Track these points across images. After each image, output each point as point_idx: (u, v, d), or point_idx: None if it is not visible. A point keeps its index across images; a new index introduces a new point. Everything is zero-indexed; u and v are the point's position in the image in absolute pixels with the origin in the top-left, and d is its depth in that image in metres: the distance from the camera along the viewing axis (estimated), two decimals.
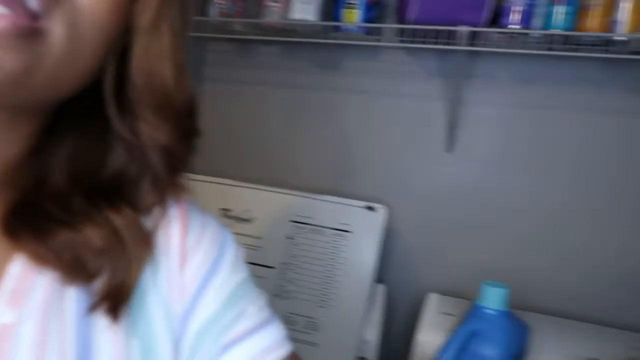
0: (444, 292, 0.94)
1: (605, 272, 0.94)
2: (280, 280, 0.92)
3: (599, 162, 0.93)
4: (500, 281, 0.74)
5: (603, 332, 0.85)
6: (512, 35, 0.76)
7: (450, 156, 1.00)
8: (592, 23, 0.73)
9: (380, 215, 0.89)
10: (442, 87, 0.98)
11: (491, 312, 0.71)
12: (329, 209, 0.92)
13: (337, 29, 0.83)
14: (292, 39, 0.84)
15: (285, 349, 0.39)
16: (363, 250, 0.89)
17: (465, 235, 1.00)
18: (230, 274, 0.39)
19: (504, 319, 0.71)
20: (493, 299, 0.71)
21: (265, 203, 0.95)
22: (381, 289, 0.95)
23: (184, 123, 0.34)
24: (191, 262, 0.37)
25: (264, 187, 0.96)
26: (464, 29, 0.75)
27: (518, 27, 0.76)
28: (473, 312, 0.73)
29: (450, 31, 0.77)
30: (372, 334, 0.92)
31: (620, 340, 0.83)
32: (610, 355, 0.81)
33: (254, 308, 0.39)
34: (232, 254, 0.40)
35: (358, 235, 0.90)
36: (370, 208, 0.90)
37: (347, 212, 0.91)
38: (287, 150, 1.09)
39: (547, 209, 0.96)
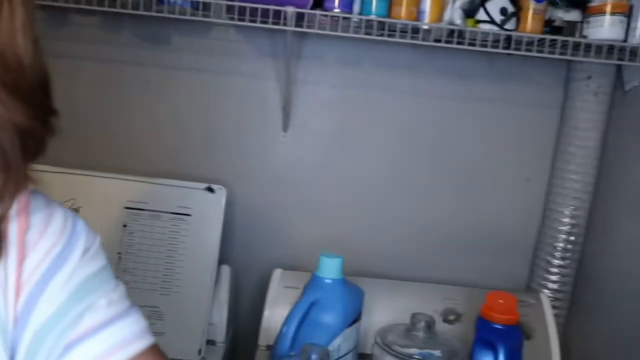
0: (288, 267, 0.98)
1: (425, 236, 1.06)
2: (117, 271, 0.85)
3: (418, 139, 1.04)
4: (338, 251, 0.79)
5: (424, 288, 0.97)
6: (334, 18, 0.80)
7: (287, 135, 1.02)
8: (402, 11, 0.80)
9: (220, 196, 0.87)
10: (274, 67, 0.99)
11: (328, 281, 0.75)
12: (166, 193, 0.88)
13: (160, 1, 0.78)
14: (111, 9, 0.77)
15: (141, 343, 0.37)
16: (205, 233, 0.87)
17: (304, 211, 1.04)
18: (79, 266, 0.36)
19: (340, 287, 0.75)
20: (329, 268, 0.75)
21: (93, 190, 0.87)
22: (226, 270, 0.95)
23: (40, 101, 0.31)
24: (31, 259, 0.34)
25: (89, 173, 0.88)
26: (290, 9, 0.76)
27: (339, 11, 0.80)
28: (312, 282, 0.76)
29: (276, 11, 0.78)
30: (220, 317, 0.91)
31: (439, 294, 0.95)
32: (432, 307, 0.92)
33: (105, 301, 0.36)
34: (82, 244, 0.37)
35: (199, 218, 0.87)
36: (209, 189, 0.88)
37: (185, 194, 0.88)
38: (115, 131, 1.01)
39: (375, 183, 1.05)
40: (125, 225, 0.87)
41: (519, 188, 1.05)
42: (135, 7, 0.78)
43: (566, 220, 0.98)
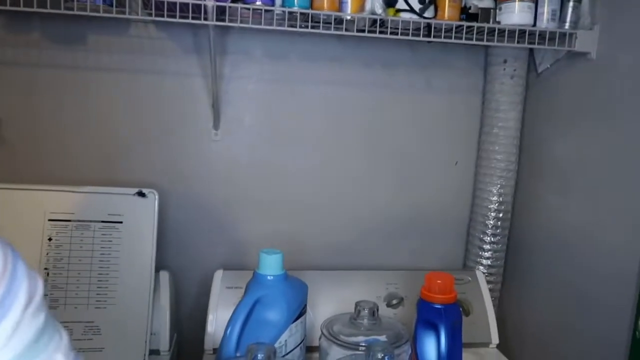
0: (230, 267, 0.96)
1: (363, 224, 1.08)
2: (45, 288, 0.80)
3: (349, 129, 1.05)
4: (278, 247, 0.78)
5: (367, 275, 0.98)
6: (257, 11, 0.79)
7: (218, 133, 1.00)
8: (325, 3, 0.80)
9: (152, 200, 0.84)
10: (199, 63, 0.96)
11: (270, 277, 0.74)
12: (93, 201, 0.84)
13: None
14: (14, 8, 0.71)
15: None
16: (138, 240, 0.83)
17: (241, 209, 1.03)
18: (24, 322, 0.32)
19: (282, 282, 0.75)
20: (270, 265, 0.74)
21: (11, 204, 0.81)
22: (165, 276, 0.91)
23: None
24: None
25: (6, 186, 0.82)
26: (210, 3, 0.74)
27: (261, 4, 0.78)
28: (253, 280, 0.75)
29: (196, 5, 0.75)
30: (162, 325, 0.88)
31: (381, 280, 0.97)
32: (375, 293, 0.94)
33: (62, 357, 0.34)
34: (24, 292, 0.33)
35: (131, 224, 0.84)
36: (141, 194, 0.84)
37: (115, 201, 0.84)
38: (35, 140, 0.94)
39: (310, 175, 1.05)
40: (50, 239, 0.82)
41: (449, 171, 1.09)
42: (42, 4, 0.73)
43: (494, 198, 1.03)
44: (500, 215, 1.03)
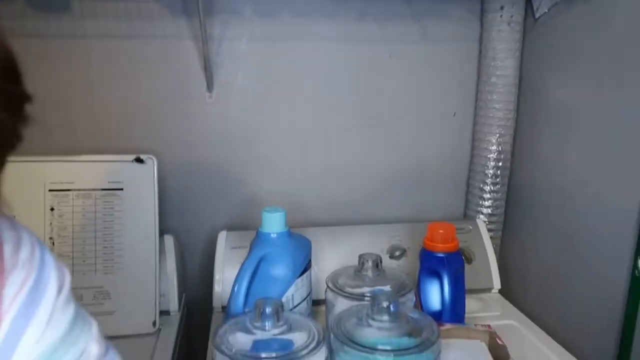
0: (233, 228, 0.97)
1: (364, 180, 1.08)
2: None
3: (345, 85, 1.03)
4: (280, 205, 0.78)
5: (369, 229, 0.99)
6: None
7: (212, 95, 0.99)
8: None
9: (150, 166, 0.84)
10: (189, 25, 0.94)
11: (273, 235, 0.75)
12: (92, 170, 0.84)
13: None
14: None
15: None
16: (140, 206, 0.84)
17: (241, 170, 1.03)
18: (58, 308, 0.33)
19: (286, 239, 0.76)
20: (273, 223, 0.75)
21: (10, 176, 0.81)
22: (169, 240, 0.93)
23: (5, 87, 0.27)
24: (10, 282, 0.31)
25: None
26: None
27: None
28: (257, 239, 0.76)
29: None
30: (170, 287, 0.90)
31: (383, 233, 0.98)
32: (378, 246, 0.95)
33: (96, 346, 0.35)
34: (55, 281, 0.33)
35: (131, 191, 0.84)
36: (139, 160, 0.84)
37: (114, 169, 0.84)
38: (29, 111, 0.93)
39: (308, 133, 1.04)
40: (52, 209, 0.82)
41: (448, 123, 1.09)
42: None
43: (493, 148, 1.03)
44: (500, 164, 1.03)
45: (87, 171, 0.84)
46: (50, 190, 0.83)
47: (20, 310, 0.31)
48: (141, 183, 0.84)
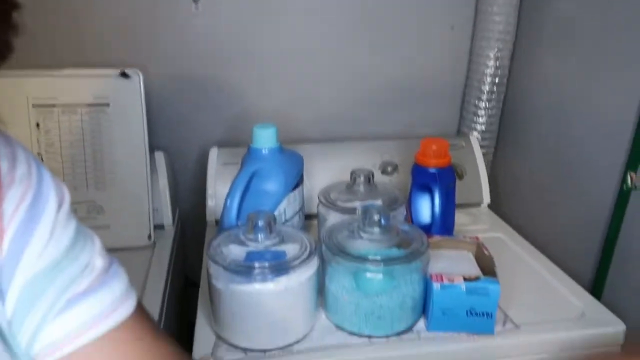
0: (224, 145, 0.96)
1: (357, 95, 1.06)
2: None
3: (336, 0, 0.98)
4: (272, 122, 0.77)
5: (362, 145, 0.99)
6: None
7: (198, 6, 0.94)
8: None
9: (136, 81, 0.81)
10: None
11: (265, 151, 0.74)
12: (76, 84, 0.81)
13: None
14: None
15: (133, 296, 0.36)
16: (128, 122, 0.82)
17: (230, 85, 1.00)
18: (59, 224, 0.33)
19: (277, 154, 0.75)
20: (264, 138, 0.74)
21: None
22: (160, 156, 0.92)
23: None
24: (9, 198, 0.30)
25: None
26: None
27: None
28: (249, 155, 0.75)
29: None
30: (163, 201, 0.90)
31: (376, 149, 0.98)
32: (370, 162, 0.95)
33: (99, 258, 0.34)
34: (54, 197, 0.33)
35: (118, 106, 0.82)
36: (124, 75, 0.81)
37: (98, 84, 0.81)
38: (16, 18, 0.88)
39: (299, 47, 1.00)
40: (38, 125, 0.80)
41: (445, 36, 1.05)
42: None
43: (491, 62, 1.00)
44: (497, 80, 1.01)
45: (71, 86, 0.81)
46: (34, 106, 0.80)
47: (21, 225, 0.31)
48: (128, 98, 0.82)
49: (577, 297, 0.70)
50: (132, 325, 0.34)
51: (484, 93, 1.02)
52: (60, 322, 0.31)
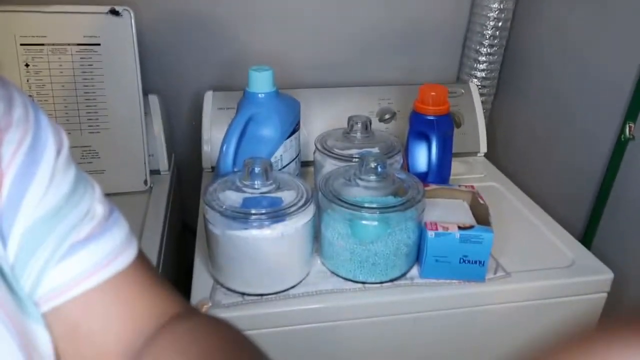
0: (219, 88, 0.94)
1: (355, 40, 1.02)
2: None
3: None
4: (269, 65, 0.75)
5: (359, 91, 0.97)
6: None
7: None
8: None
9: (127, 19, 0.78)
10: None
11: (261, 95, 0.73)
12: (65, 22, 0.78)
13: None
14: None
15: (134, 244, 0.35)
16: (120, 62, 0.80)
17: (226, 26, 0.97)
18: (58, 169, 0.32)
19: (274, 99, 0.74)
20: (260, 82, 0.72)
21: None
22: (154, 99, 0.90)
23: None
24: (7, 140, 0.29)
25: None
26: None
27: None
28: (245, 99, 0.74)
29: None
30: (159, 146, 0.90)
31: (373, 95, 0.96)
32: (368, 109, 0.94)
33: (99, 205, 0.34)
34: (52, 142, 0.32)
35: (109, 46, 0.79)
36: (114, 12, 0.78)
37: (88, 21, 0.78)
38: None
39: None
40: (27, 65, 0.78)
41: None
42: None
43: (495, 6, 0.97)
44: (500, 24, 0.98)
45: (59, 23, 0.78)
46: (22, 45, 0.78)
47: (20, 169, 0.30)
48: (119, 38, 0.79)
49: (568, 246, 0.72)
50: (133, 273, 0.35)
51: (486, 38, 0.99)
52: (62, 268, 0.31)
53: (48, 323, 0.31)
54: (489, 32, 0.99)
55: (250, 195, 0.60)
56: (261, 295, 0.61)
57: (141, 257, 0.36)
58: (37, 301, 0.31)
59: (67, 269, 0.31)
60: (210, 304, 0.60)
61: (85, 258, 0.32)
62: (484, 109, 0.99)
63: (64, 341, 0.32)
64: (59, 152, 0.33)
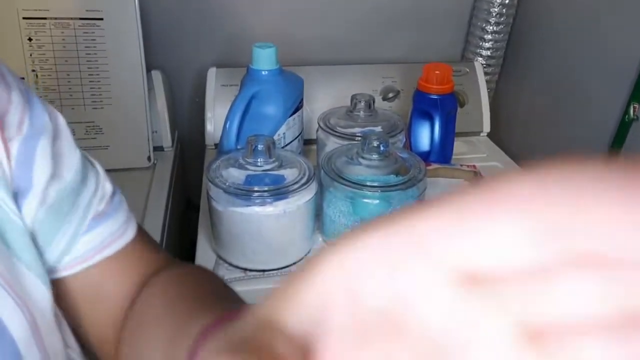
0: (222, 65, 0.93)
1: (360, 18, 1.01)
2: (38, 91, 0.79)
3: None
4: (272, 42, 0.75)
5: (363, 69, 0.96)
6: None
7: None
8: None
9: None
10: None
11: (264, 72, 0.73)
12: None
13: None
14: None
15: (134, 221, 0.39)
16: (123, 37, 0.79)
17: (231, 3, 0.96)
18: (63, 147, 0.34)
19: (277, 77, 0.73)
20: (264, 59, 0.72)
21: None
22: (157, 75, 0.90)
23: None
24: (11, 111, 0.30)
25: None
26: None
27: None
28: (248, 76, 0.74)
29: None
30: (162, 122, 0.90)
31: (377, 74, 0.96)
32: (371, 87, 0.94)
33: (107, 183, 0.37)
34: (47, 120, 0.33)
35: (112, 21, 0.79)
36: None
37: None
38: None
39: None
40: (30, 39, 0.78)
41: None
42: None
43: None
44: (507, 1, 0.97)
45: None
46: (24, 19, 0.77)
47: (26, 140, 0.31)
48: (122, 12, 0.78)
49: None
50: (139, 240, 0.38)
51: (493, 15, 0.98)
52: (86, 240, 0.34)
53: (71, 288, 0.35)
54: (496, 9, 0.97)
55: (253, 173, 0.61)
56: (263, 271, 0.62)
57: (141, 232, 0.40)
58: (62, 266, 0.34)
59: (90, 240, 0.35)
60: None
61: (105, 230, 0.35)
62: (488, 89, 0.99)
63: (87, 302, 0.35)
64: (57, 133, 0.34)
